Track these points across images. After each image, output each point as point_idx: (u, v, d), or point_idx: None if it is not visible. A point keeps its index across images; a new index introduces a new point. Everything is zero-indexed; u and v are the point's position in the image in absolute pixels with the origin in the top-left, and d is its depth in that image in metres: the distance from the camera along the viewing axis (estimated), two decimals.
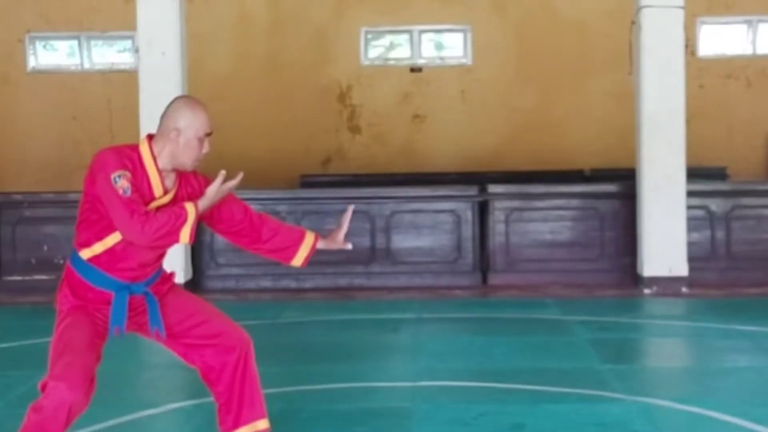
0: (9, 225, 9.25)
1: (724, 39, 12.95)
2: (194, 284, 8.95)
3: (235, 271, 9.20)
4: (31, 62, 13.04)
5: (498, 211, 9.20)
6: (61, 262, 9.14)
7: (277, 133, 12.68)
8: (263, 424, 3.79)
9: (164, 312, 3.69)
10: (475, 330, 7.16)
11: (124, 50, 13.12)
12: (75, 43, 13.09)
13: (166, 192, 3.49)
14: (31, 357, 6.32)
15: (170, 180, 3.53)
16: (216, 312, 3.82)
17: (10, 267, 9.22)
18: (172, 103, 3.59)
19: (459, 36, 12.95)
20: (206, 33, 12.26)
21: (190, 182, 3.61)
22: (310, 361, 6.02)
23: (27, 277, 9.16)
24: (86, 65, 13.08)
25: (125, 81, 12.30)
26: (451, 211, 9.24)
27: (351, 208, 3.87)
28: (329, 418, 4.60)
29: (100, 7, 12.80)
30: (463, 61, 12.64)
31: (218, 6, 12.67)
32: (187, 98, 3.68)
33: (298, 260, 3.80)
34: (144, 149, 3.48)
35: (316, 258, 10.46)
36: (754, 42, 12.90)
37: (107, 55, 13.20)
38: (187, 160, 3.51)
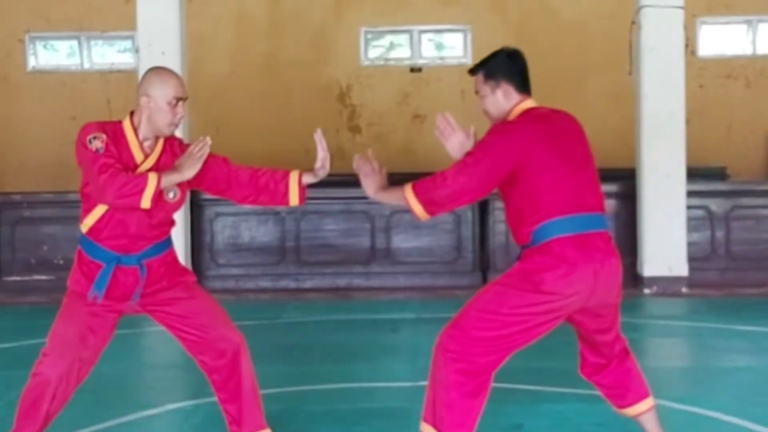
0: (9, 225, 9.25)
1: (724, 39, 12.95)
2: None
3: (235, 271, 9.20)
4: (31, 62, 13.04)
5: (498, 210, 9.19)
6: (61, 262, 9.16)
7: (277, 133, 12.67)
8: None
9: (171, 303, 3.82)
10: None
11: (124, 50, 13.12)
12: (75, 43, 13.10)
13: (146, 156, 3.65)
14: (31, 357, 6.30)
15: (151, 146, 3.70)
16: (216, 315, 3.83)
17: (9, 267, 9.22)
18: (143, 74, 3.81)
19: (459, 36, 12.95)
20: (206, 33, 12.27)
21: (173, 149, 3.75)
22: (310, 361, 6.02)
23: (27, 277, 9.16)
24: (86, 65, 13.08)
25: (125, 81, 12.31)
26: (451, 211, 9.24)
27: (318, 131, 3.94)
28: (329, 418, 4.60)
29: (100, 7, 12.79)
30: (463, 61, 12.63)
31: (218, 6, 12.67)
32: (157, 67, 3.86)
33: (294, 199, 3.82)
34: (125, 121, 3.72)
35: (316, 258, 10.40)
36: (754, 42, 12.90)
37: (107, 55, 13.20)
38: (162, 124, 3.66)
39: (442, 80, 12.61)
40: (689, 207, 8.71)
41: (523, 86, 3.62)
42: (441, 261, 9.21)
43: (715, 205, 9.13)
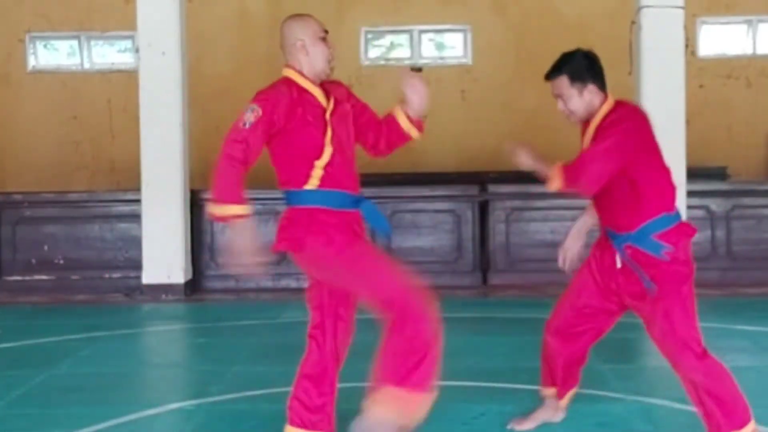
0: (9, 225, 9.25)
1: (724, 39, 12.95)
2: (194, 284, 8.96)
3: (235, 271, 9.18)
4: (32, 62, 13.04)
5: (498, 210, 9.20)
6: (62, 261, 9.17)
7: None
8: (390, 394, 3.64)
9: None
10: (475, 330, 7.15)
11: (124, 50, 13.12)
12: (75, 43, 13.09)
13: (328, 100, 3.70)
14: (31, 357, 6.33)
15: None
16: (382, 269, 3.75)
17: (10, 267, 9.22)
18: (281, 29, 3.79)
19: (459, 36, 12.95)
20: (206, 33, 12.26)
21: (334, 90, 3.79)
22: None
23: (27, 277, 9.16)
24: (86, 65, 13.08)
25: (125, 81, 12.31)
26: (451, 211, 9.24)
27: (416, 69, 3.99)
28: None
29: (100, 7, 12.80)
30: (463, 61, 12.64)
31: (218, 6, 12.66)
32: (289, 17, 3.87)
33: (413, 132, 3.90)
34: (291, 73, 3.72)
35: None
36: (754, 42, 12.90)
37: (107, 55, 13.19)
38: (323, 63, 3.71)
39: (443, 80, 12.59)
40: (689, 207, 8.71)
41: (604, 84, 3.85)
42: (441, 261, 9.20)
43: (716, 204, 9.13)
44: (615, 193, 3.75)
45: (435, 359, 3.60)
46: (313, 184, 3.65)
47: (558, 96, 3.85)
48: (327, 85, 3.76)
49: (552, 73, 3.89)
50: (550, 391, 4.25)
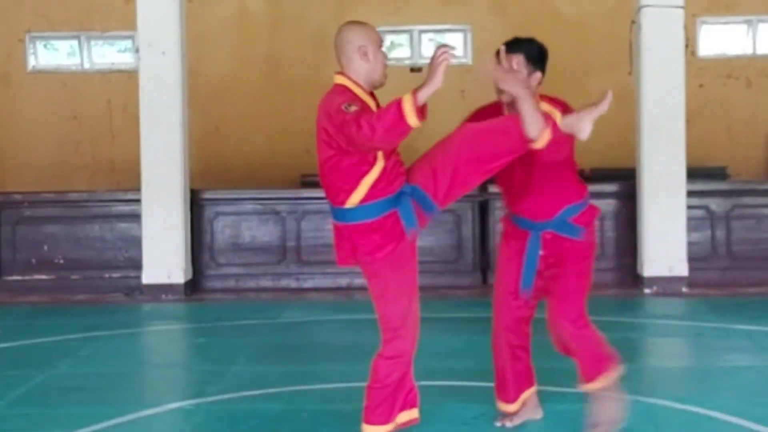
0: (9, 225, 9.25)
1: (724, 39, 12.94)
2: (194, 284, 8.96)
3: (235, 270, 9.19)
4: (32, 62, 13.04)
5: (498, 210, 9.18)
6: (62, 261, 9.17)
7: (277, 132, 12.67)
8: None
9: None
10: (475, 330, 7.14)
11: (124, 50, 13.11)
12: (75, 43, 13.09)
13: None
14: (31, 357, 6.33)
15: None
16: None
17: (10, 267, 9.22)
18: (339, 34, 3.73)
19: (459, 36, 12.95)
20: (206, 33, 12.26)
21: (376, 99, 3.77)
22: (310, 360, 6.02)
23: (27, 277, 9.16)
24: (86, 65, 13.08)
25: (125, 81, 12.31)
26: (451, 211, 9.23)
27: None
28: (329, 418, 4.60)
29: (100, 7, 12.79)
30: (463, 61, 12.62)
31: (218, 6, 12.66)
32: (348, 22, 3.82)
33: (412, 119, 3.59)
34: (345, 81, 3.65)
35: (317, 257, 10.42)
36: (754, 42, 12.89)
37: (107, 55, 13.19)
38: (380, 73, 3.69)
39: (442, 80, 12.57)
40: (689, 207, 8.71)
41: (541, 81, 4.03)
42: (441, 261, 9.20)
43: (716, 204, 9.12)
44: (534, 183, 3.92)
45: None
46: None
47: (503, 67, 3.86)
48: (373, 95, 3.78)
49: (511, 48, 3.92)
50: (528, 392, 4.37)
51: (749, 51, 12.89)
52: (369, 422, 3.73)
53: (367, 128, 3.36)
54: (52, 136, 12.84)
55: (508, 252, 4.15)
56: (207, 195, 9.21)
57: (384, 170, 3.58)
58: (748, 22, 12.87)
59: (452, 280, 9.10)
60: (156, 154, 8.67)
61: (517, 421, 4.36)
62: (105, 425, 4.54)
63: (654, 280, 8.58)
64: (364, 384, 3.86)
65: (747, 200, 9.20)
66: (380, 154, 3.57)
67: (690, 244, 8.71)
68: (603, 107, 3.69)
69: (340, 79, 3.67)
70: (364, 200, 3.59)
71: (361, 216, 3.60)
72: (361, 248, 3.64)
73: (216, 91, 12.34)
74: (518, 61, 3.90)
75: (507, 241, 4.16)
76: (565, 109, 3.84)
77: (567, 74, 12.46)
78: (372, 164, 3.57)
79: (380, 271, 3.66)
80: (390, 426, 3.73)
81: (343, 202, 3.61)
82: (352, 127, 3.39)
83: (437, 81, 3.49)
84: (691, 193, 8.73)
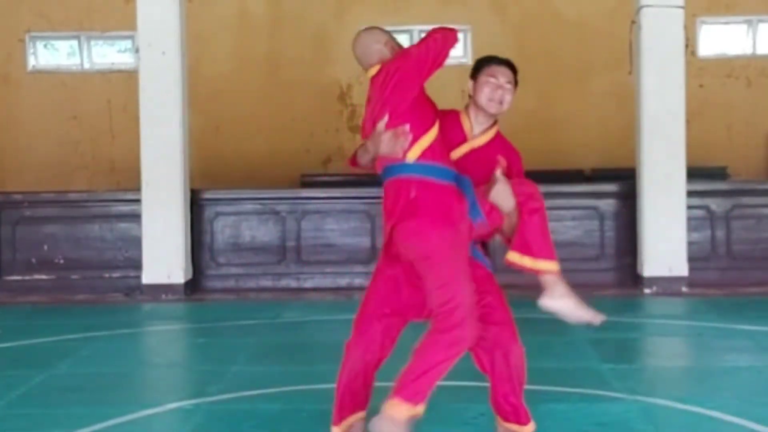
0: (9, 224, 9.25)
1: (724, 39, 12.94)
2: (194, 284, 8.95)
3: (235, 271, 9.19)
4: (32, 62, 13.04)
5: None
6: (62, 261, 9.16)
7: (277, 132, 12.67)
8: None
9: None
10: None
11: (124, 50, 13.11)
12: (75, 43, 13.09)
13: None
14: (31, 357, 6.33)
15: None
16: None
17: (10, 267, 9.22)
18: (358, 40, 3.99)
19: (459, 36, 12.93)
20: (206, 33, 12.26)
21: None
22: (310, 360, 6.01)
23: (27, 277, 9.16)
24: (86, 65, 13.08)
25: (125, 81, 12.31)
26: None
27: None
28: (329, 418, 4.60)
29: (100, 7, 12.79)
30: (463, 61, 12.61)
31: (218, 6, 12.66)
32: (363, 29, 4.02)
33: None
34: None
35: (317, 257, 10.41)
36: (754, 42, 12.89)
37: (107, 55, 13.19)
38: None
39: (442, 80, 12.55)
40: (689, 207, 8.71)
41: None
42: None
43: (716, 204, 9.12)
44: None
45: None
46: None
47: (511, 83, 4.01)
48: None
49: (512, 66, 4.11)
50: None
51: (749, 51, 12.89)
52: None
53: (430, 40, 3.74)
54: (51, 136, 12.84)
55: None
56: (207, 195, 9.21)
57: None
58: (748, 22, 12.87)
59: None
60: (156, 154, 8.66)
61: None
62: (105, 425, 4.53)
63: (654, 280, 8.58)
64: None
65: (747, 200, 9.20)
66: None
67: (690, 244, 8.71)
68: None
69: (376, 67, 3.91)
70: None
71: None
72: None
73: (216, 91, 12.34)
74: (514, 79, 4.11)
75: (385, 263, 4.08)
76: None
77: (566, 74, 12.49)
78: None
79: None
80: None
81: None
82: (422, 45, 3.75)
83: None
84: (691, 193, 8.73)
